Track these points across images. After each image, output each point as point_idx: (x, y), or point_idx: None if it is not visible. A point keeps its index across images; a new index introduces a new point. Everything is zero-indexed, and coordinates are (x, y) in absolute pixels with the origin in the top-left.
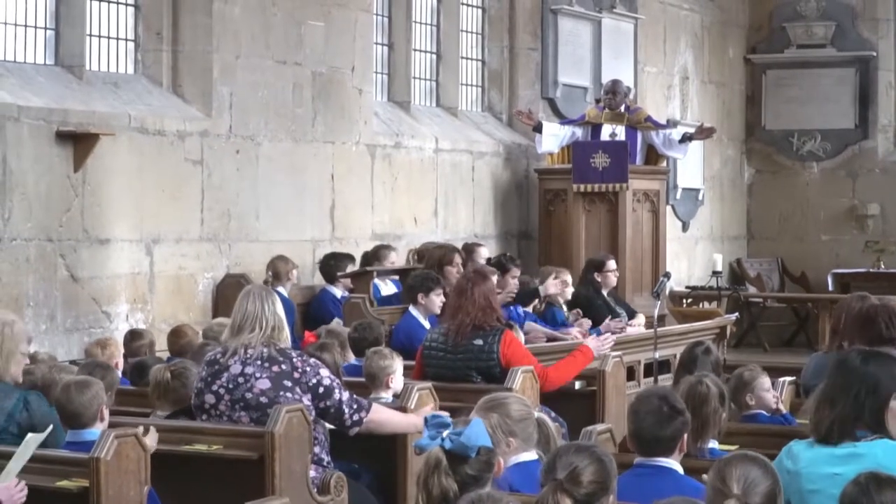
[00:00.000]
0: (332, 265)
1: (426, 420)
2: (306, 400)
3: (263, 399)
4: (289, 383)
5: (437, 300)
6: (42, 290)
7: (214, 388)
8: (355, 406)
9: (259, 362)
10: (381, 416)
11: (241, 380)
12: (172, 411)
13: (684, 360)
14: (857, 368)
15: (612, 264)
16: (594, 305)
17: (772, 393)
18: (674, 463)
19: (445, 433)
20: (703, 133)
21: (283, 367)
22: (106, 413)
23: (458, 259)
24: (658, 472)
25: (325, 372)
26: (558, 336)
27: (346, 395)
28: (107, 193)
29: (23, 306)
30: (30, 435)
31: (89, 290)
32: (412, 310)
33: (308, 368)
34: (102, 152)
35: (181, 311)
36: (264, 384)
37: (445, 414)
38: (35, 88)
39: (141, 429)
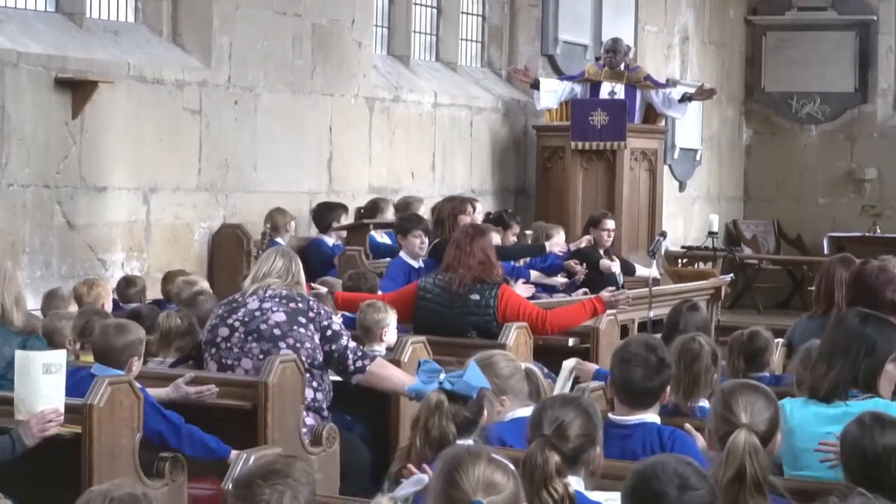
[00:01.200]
0: (324, 214)
1: (419, 365)
2: (318, 339)
3: (277, 331)
4: (303, 319)
5: (415, 241)
6: (38, 236)
7: (230, 321)
8: (360, 354)
9: (277, 299)
10: (385, 371)
11: (257, 313)
12: (177, 358)
13: (671, 317)
14: (855, 329)
15: (608, 223)
16: (592, 259)
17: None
18: (653, 416)
19: (441, 377)
20: (703, 94)
21: (300, 305)
22: (136, 366)
23: (470, 209)
24: (634, 430)
25: (336, 318)
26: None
27: (352, 344)
28: (105, 141)
29: (19, 252)
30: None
31: (85, 237)
32: (401, 253)
33: (322, 311)
34: (101, 100)
35: (177, 261)
36: (280, 317)
37: None
38: (35, 35)
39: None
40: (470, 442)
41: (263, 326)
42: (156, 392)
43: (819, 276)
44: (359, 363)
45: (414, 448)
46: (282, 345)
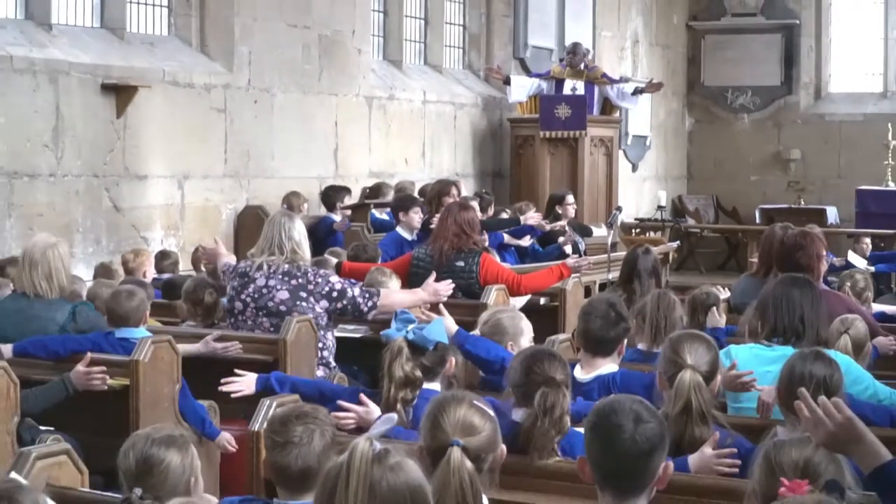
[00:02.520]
0: (331, 195)
1: (395, 314)
2: (319, 308)
3: (283, 307)
4: (304, 294)
5: (415, 217)
6: (89, 218)
7: (243, 296)
8: (367, 295)
9: (280, 276)
10: (391, 298)
11: (264, 291)
12: (209, 322)
13: (628, 261)
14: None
15: (570, 198)
16: (556, 231)
17: None
18: (611, 366)
19: (410, 327)
20: (652, 87)
21: (300, 280)
22: (146, 320)
23: (454, 191)
24: (591, 385)
25: (334, 278)
26: (521, 245)
27: (357, 290)
28: (144, 137)
29: (73, 232)
30: None
31: (129, 218)
32: (398, 228)
33: (319, 279)
34: (140, 102)
35: (207, 237)
36: (283, 295)
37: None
38: (83, 47)
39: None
40: (436, 385)
41: (271, 304)
42: (188, 348)
43: (763, 242)
44: (369, 303)
45: (384, 389)
46: (286, 319)
